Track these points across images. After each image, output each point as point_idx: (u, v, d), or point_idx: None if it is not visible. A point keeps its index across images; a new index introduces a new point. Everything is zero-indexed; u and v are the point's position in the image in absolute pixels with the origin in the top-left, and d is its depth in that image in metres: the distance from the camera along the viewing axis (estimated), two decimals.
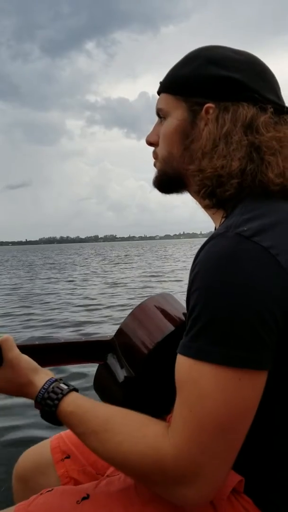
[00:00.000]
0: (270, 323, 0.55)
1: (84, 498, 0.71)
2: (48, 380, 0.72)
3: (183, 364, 0.59)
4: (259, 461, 0.66)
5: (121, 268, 18.44)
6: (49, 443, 0.99)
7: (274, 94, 0.72)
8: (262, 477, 0.66)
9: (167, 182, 0.80)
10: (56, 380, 0.73)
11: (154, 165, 0.81)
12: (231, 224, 0.61)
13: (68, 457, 0.96)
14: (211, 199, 0.70)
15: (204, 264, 0.58)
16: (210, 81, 0.71)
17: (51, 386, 0.71)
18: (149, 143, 0.81)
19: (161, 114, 0.78)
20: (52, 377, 0.74)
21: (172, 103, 0.75)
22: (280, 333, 0.57)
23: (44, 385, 0.72)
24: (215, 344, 0.55)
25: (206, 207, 0.75)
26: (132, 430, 0.63)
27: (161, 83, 0.79)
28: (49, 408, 0.69)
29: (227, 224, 0.62)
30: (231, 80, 0.70)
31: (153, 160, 0.82)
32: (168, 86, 0.77)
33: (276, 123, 0.69)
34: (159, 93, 0.79)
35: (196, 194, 0.75)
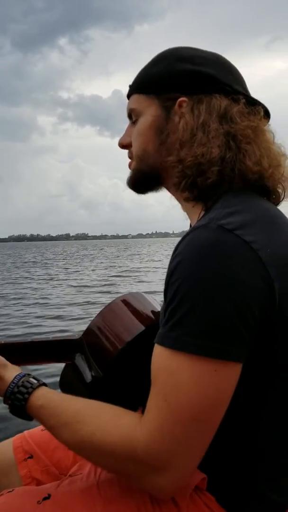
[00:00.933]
0: (248, 316, 0.56)
1: (45, 498, 0.70)
2: (17, 375, 0.72)
3: (160, 354, 0.59)
4: (222, 459, 0.67)
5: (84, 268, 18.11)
6: (11, 443, 0.97)
7: (243, 88, 0.75)
8: (224, 474, 0.67)
9: (142, 181, 0.80)
10: (25, 375, 0.72)
11: (129, 166, 0.81)
12: (213, 217, 0.61)
13: (30, 457, 0.94)
14: (192, 190, 0.70)
15: (186, 255, 0.58)
16: (181, 76, 0.73)
17: (20, 381, 0.71)
18: (122, 146, 0.81)
19: (134, 115, 0.78)
20: (21, 372, 0.73)
21: (145, 102, 0.76)
22: (257, 328, 0.57)
23: (13, 379, 0.71)
24: (193, 335, 0.55)
25: (185, 200, 0.74)
26: (104, 420, 0.63)
27: (131, 85, 0.80)
28: (19, 402, 0.69)
29: (209, 216, 0.62)
30: (202, 74, 0.72)
31: (127, 161, 0.81)
32: (139, 86, 0.77)
33: (249, 113, 0.71)
34: (129, 95, 0.80)
35: (175, 188, 0.74)
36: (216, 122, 0.69)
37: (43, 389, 0.70)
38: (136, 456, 0.59)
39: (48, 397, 0.68)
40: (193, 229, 0.61)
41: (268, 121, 0.75)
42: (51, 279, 13.39)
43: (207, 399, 0.56)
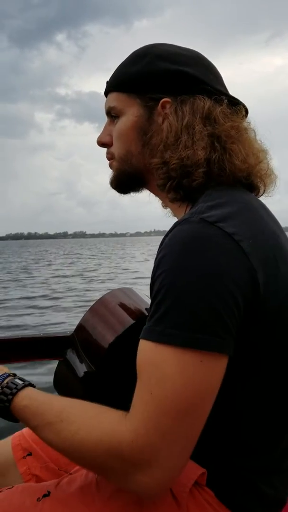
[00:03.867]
0: (232, 307, 0.56)
1: (45, 495, 0.70)
2: (1, 375, 0.71)
3: (145, 348, 0.58)
4: (220, 453, 0.66)
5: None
6: (10, 441, 0.97)
7: (223, 87, 0.75)
8: (223, 469, 0.67)
9: (125, 181, 0.79)
10: (9, 375, 0.71)
11: (110, 166, 0.80)
12: (195, 211, 0.62)
13: (30, 454, 0.94)
14: (178, 191, 0.70)
15: (169, 248, 0.59)
16: (163, 76, 0.72)
17: (5, 381, 0.70)
18: (101, 144, 0.80)
19: (113, 113, 0.77)
20: (6, 372, 0.72)
21: (125, 101, 0.75)
22: (241, 319, 0.57)
23: None
24: (178, 327, 0.55)
25: (171, 201, 0.74)
26: (88, 418, 0.62)
27: (108, 82, 0.78)
28: (3, 403, 0.68)
29: (191, 211, 0.63)
30: (184, 73, 0.71)
31: (107, 162, 0.81)
32: (119, 84, 0.76)
33: (231, 114, 0.71)
34: (107, 92, 0.79)
35: (160, 189, 0.74)
36: (200, 123, 0.68)
37: (28, 390, 0.68)
38: (121, 452, 0.57)
39: (32, 397, 0.67)
40: (176, 223, 0.62)
41: (246, 117, 0.76)
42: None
43: (193, 390, 0.55)
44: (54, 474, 0.90)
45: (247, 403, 0.64)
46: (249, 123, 0.75)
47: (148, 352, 0.58)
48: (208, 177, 0.68)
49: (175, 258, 0.57)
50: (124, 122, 0.75)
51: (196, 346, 0.55)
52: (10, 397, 0.67)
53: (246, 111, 0.76)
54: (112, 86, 0.77)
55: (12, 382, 0.69)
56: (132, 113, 0.74)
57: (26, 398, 0.67)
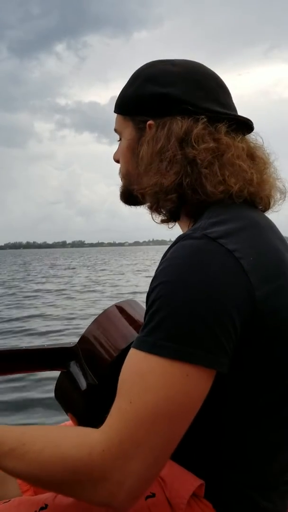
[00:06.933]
0: (227, 324, 0.56)
1: (42, 508, 0.69)
2: None
3: (134, 357, 0.58)
4: (218, 467, 0.66)
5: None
6: None
7: (214, 101, 0.71)
8: (220, 482, 0.67)
9: (129, 197, 0.82)
10: None
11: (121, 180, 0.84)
12: (198, 226, 0.63)
13: None
14: (163, 214, 0.73)
15: (171, 261, 0.60)
16: (149, 99, 0.73)
17: None
18: (116, 161, 0.84)
19: (117, 134, 0.81)
20: None
21: (123, 123, 0.78)
22: (237, 336, 0.57)
23: None
24: (169, 339, 0.55)
25: (161, 221, 0.76)
26: (52, 435, 0.60)
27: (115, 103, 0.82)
28: None
29: (195, 226, 0.64)
30: (164, 96, 0.71)
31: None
32: (118, 106, 0.80)
33: (210, 133, 0.68)
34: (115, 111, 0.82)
35: (150, 209, 0.76)
36: (174, 147, 0.68)
37: None
38: (91, 462, 0.55)
39: None
40: (180, 238, 0.63)
41: (245, 133, 0.73)
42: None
43: (174, 403, 0.54)
44: None
45: (244, 417, 0.64)
46: (241, 137, 0.71)
47: (136, 361, 0.57)
48: (183, 201, 0.68)
49: (175, 271, 0.58)
50: (122, 144, 0.79)
51: (184, 359, 0.54)
52: None
53: (247, 125, 0.73)
54: (115, 107, 0.81)
55: None
56: (126, 135, 0.77)
57: None
